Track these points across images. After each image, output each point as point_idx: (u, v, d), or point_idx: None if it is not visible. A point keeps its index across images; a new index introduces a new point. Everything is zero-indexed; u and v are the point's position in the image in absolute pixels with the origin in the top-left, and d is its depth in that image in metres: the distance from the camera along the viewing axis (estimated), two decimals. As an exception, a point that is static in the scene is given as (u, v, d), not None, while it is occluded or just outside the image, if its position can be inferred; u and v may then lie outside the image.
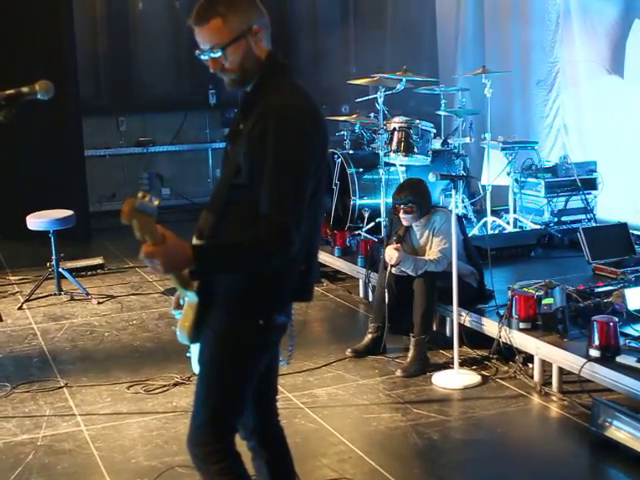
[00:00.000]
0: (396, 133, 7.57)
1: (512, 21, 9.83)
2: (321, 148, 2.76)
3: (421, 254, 5.73)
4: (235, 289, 2.76)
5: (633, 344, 4.85)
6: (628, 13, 8.38)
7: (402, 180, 6.08)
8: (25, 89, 2.85)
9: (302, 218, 2.64)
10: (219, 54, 2.71)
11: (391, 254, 5.54)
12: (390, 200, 6.35)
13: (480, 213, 8.27)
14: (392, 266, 5.55)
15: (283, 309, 2.87)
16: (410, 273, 5.56)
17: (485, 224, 7.84)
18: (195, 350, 2.92)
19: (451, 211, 5.59)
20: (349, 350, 5.75)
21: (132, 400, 5.10)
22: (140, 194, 2.46)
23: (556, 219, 7.87)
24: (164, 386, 5.27)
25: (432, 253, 5.62)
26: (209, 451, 2.85)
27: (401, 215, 5.72)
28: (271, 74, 2.79)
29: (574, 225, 7.72)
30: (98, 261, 8.26)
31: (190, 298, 2.79)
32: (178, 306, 2.92)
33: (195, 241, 2.81)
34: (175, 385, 5.28)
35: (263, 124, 2.65)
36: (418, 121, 7.67)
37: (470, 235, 7.27)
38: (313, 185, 2.72)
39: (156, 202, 2.48)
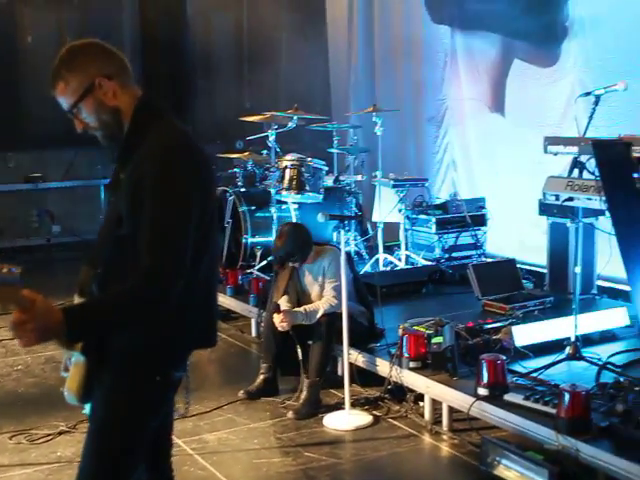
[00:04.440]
0: (288, 171, 7.58)
1: (403, 60, 10.03)
2: (205, 189, 2.69)
3: (310, 293, 5.72)
4: (129, 345, 2.67)
5: (520, 381, 4.91)
6: (507, 53, 8.65)
7: (283, 226, 6.04)
8: None
9: (184, 264, 2.56)
10: (76, 114, 2.72)
11: (279, 324, 5.52)
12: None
13: (372, 250, 8.32)
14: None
15: (181, 364, 2.81)
16: (305, 323, 5.54)
17: (377, 261, 7.88)
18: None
19: (340, 250, 5.58)
20: (241, 392, 5.66)
21: (14, 451, 4.90)
22: None
23: (447, 255, 7.98)
24: (48, 435, 5.09)
25: (326, 294, 5.60)
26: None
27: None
28: (144, 118, 2.73)
29: (465, 261, 7.83)
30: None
31: (76, 358, 2.68)
32: (67, 368, 2.78)
33: (77, 299, 2.71)
34: (60, 434, 5.10)
35: (141, 170, 2.59)
36: (310, 159, 7.69)
37: (362, 272, 7.33)
38: (204, 227, 2.66)
39: (17, 271, 2.36)
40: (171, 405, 2.97)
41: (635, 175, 3.97)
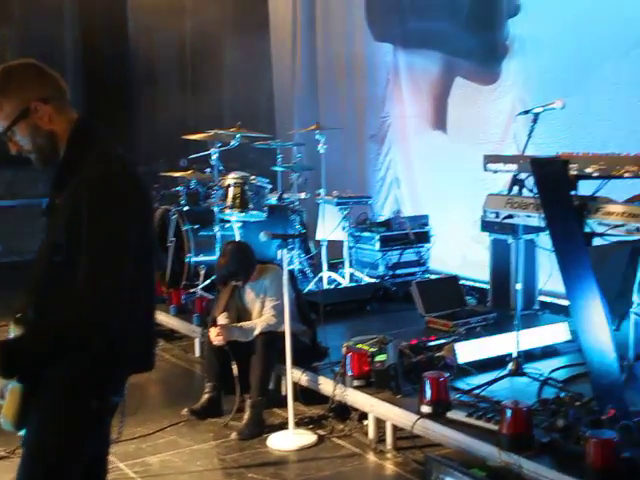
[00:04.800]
0: (231, 189, 7.54)
1: (345, 78, 10.08)
2: (142, 217, 2.68)
3: (251, 311, 5.70)
4: (66, 371, 2.62)
5: (463, 398, 4.92)
6: (449, 71, 8.73)
7: (226, 245, 6.01)
8: None
9: (121, 295, 2.54)
10: (10, 137, 2.70)
11: (214, 338, 5.50)
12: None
13: (317, 268, 8.31)
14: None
15: (118, 388, 2.77)
16: (242, 340, 5.51)
17: (321, 279, 7.88)
18: None
19: (283, 268, 5.56)
20: (185, 410, 5.59)
21: (-51, 478, 4.80)
22: None
23: (391, 272, 8.00)
24: (-14, 461, 4.98)
25: (266, 312, 5.59)
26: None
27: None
28: (80, 143, 2.70)
29: (409, 278, 7.86)
30: None
31: (12, 385, 2.63)
32: (2, 395, 2.72)
33: (12, 326, 2.67)
34: (-1, 459, 5.00)
35: (77, 196, 2.56)
36: (253, 177, 7.66)
37: (306, 290, 7.31)
38: (142, 254, 2.64)
39: None
40: (108, 430, 2.92)
41: (573, 192, 4.02)
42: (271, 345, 5.47)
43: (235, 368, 5.47)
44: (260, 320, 5.55)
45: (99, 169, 2.61)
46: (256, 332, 5.50)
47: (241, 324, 5.57)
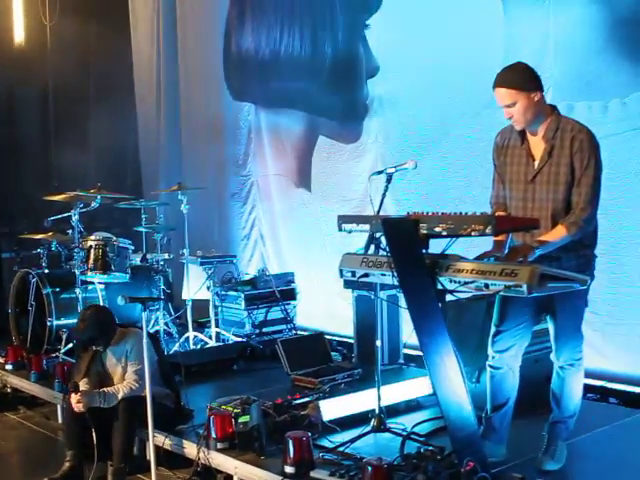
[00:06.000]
0: (92, 251, 7.44)
1: (207, 137, 10.12)
2: None
3: (112, 376, 5.60)
4: None
5: (327, 457, 4.93)
6: (312, 130, 8.87)
7: (85, 310, 5.90)
8: None
9: None
10: None
11: (75, 404, 5.38)
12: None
13: (184, 328, 8.23)
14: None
15: None
16: (103, 406, 5.39)
17: (187, 339, 7.80)
18: None
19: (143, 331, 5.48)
20: (45, 480, 5.43)
21: None
22: None
23: (257, 331, 7.99)
24: None
25: (128, 378, 5.49)
26: None
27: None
28: None
29: (275, 336, 7.86)
30: None
31: None
32: None
33: None
34: None
35: None
36: (115, 238, 7.59)
37: (172, 352, 7.24)
38: None
39: None
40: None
41: (424, 251, 4.11)
42: (133, 410, 5.36)
43: (94, 435, 5.34)
44: (122, 385, 5.45)
45: None
46: (118, 398, 5.39)
47: (103, 390, 5.46)
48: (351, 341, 7.52)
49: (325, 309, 8.46)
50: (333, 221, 4.54)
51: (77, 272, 7.51)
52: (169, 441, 5.55)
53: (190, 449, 5.43)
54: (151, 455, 5.24)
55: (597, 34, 6.28)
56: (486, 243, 4.58)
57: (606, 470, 4.78)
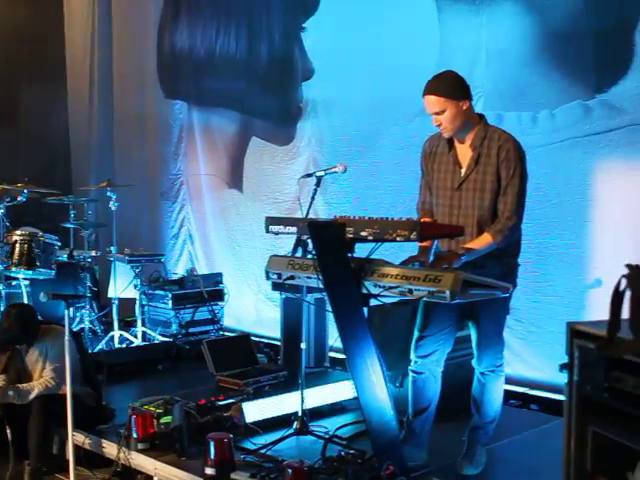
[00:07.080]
0: (17, 246, 7.31)
1: (138, 135, 10.03)
2: None
3: (33, 374, 5.50)
4: None
5: (249, 459, 4.91)
6: (246, 131, 8.85)
7: (9, 309, 5.79)
8: None
9: None
10: None
11: None
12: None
13: (109, 326, 8.14)
14: None
15: None
16: (16, 403, 5.30)
17: (112, 338, 7.71)
18: None
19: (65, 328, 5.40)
20: (-43, 483, 5.32)
21: None
22: None
23: (184, 331, 7.93)
24: None
25: (45, 375, 5.41)
26: None
27: None
28: None
29: (202, 336, 7.79)
30: None
31: None
32: None
33: None
34: None
35: None
36: (41, 233, 7.46)
37: (96, 350, 7.14)
38: None
39: None
40: None
41: (349, 255, 4.12)
42: (48, 409, 5.28)
43: (9, 433, 5.25)
44: (38, 383, 5.36)
45: None
46: (32, 395, 5.30)
47: (17, 385, 5.36)
48: (279, 343, 7.50)
49: (253, 310, 8.45)
50: (263, 222, 4.55)
51: (1, 267, 7.37)
52: (89, 440, 5.47)
53: (110, 449, 5.36)
54: (70, 454, 5.18)
55: (529, 46, 6.38)
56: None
57: (523, 475, 4.85)
